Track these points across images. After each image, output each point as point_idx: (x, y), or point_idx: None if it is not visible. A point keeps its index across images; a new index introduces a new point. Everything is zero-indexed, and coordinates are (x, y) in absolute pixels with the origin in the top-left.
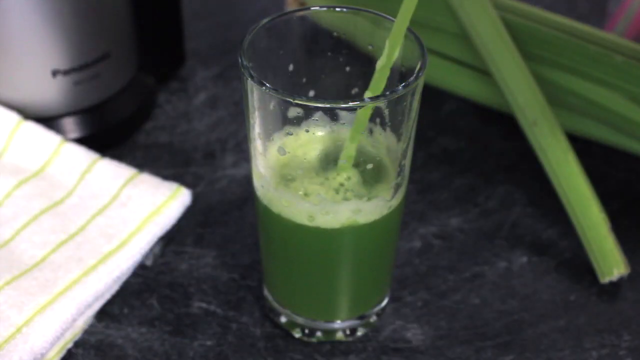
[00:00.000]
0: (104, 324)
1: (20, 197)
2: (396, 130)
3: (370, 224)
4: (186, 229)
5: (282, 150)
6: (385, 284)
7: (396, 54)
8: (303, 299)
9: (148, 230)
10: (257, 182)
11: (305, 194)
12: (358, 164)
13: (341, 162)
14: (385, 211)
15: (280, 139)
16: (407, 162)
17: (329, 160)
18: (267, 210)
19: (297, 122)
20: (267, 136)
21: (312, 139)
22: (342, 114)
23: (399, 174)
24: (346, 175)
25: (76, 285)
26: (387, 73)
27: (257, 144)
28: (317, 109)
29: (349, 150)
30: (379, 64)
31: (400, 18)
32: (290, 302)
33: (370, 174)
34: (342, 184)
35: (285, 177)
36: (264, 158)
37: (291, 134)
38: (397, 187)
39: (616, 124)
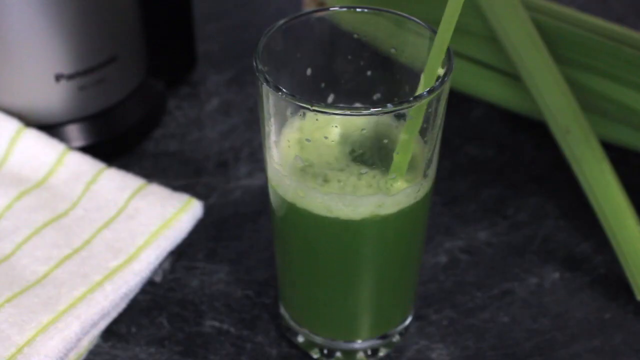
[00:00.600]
0: (111, 343)
1: (22, 209)
2: (421, 138)
3: (394, 215)
4: (197, 243)
5: (299, 160)
6: (408, 300)
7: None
8: (321, 316)
9: (157, 245)
10: (271, 176)
11: (325, 180)
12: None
13: (391, 176)
14: (411, 201)
15: (297, 145)
16: (434, 165)
17: (352, 152)
18: (282, 204)
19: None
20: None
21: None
22: None
23: (424, 174)
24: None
25: (81, 303)
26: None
27: (273, 153)
28: (337, 115)
29: (401, 162)
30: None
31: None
32: (308, 320)
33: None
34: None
35: (304, 169)
36: (280, 167)
37: (309, 141)
38: (424, 176)
39: None
